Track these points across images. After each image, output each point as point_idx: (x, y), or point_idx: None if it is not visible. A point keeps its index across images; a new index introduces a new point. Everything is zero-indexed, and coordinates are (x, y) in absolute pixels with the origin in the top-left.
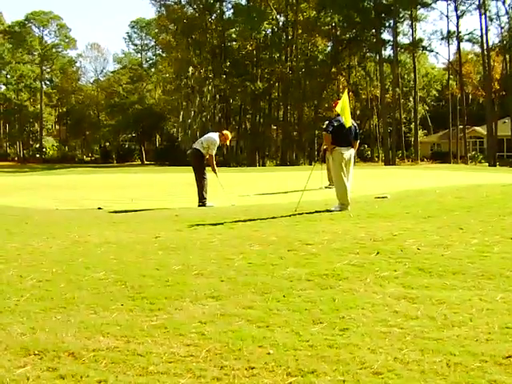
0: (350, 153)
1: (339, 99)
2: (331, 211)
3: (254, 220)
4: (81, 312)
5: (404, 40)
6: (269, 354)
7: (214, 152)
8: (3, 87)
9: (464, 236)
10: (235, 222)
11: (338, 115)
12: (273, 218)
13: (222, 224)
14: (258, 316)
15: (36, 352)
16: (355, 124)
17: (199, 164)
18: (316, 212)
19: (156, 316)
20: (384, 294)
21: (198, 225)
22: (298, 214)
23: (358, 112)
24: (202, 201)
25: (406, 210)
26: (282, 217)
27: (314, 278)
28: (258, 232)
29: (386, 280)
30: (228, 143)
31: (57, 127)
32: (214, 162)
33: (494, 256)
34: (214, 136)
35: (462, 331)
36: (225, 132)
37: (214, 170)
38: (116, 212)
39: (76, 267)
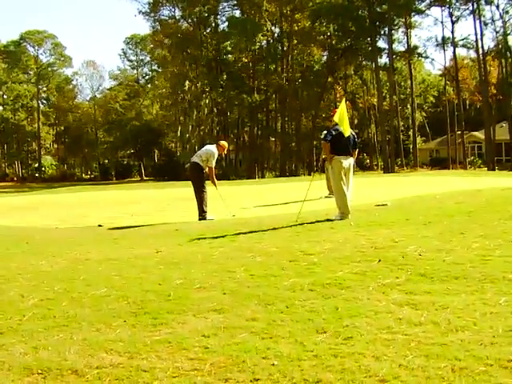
0: (349, 162)
1: (337, 108)
2: (332, 220)
3: (254, 232)
4: (83, 329)
5: (399, 47)
6: (273, 365)
7: (213, 164)
8: (0, 107)
9: (465, 241)
10: (236, 234)
11: (337, 124)
12: (274, 229)
13: (223, 237)
14: (262, 328)
15: (39, 371)
16: (353, 133)
17: (198, 177)
18: (317, 222)
19: (159, 331)
20: (387, 302)
21: (198, 238)
22: (299, 224)
23: (355, 121)
24: (202, 214)
25: (406, 216)
26: (282, 228)
27: (317, 288)
28: (260, 244)
29: (388, 287)
30: (225, 153)
31: (55, 146)
32: (214, 175)
33: (495, 260)
34: (212, 148)
35: (466, 336)
36: (222, 142)
37: (213, 183)
38: (116, 228)
39: (77, 285)
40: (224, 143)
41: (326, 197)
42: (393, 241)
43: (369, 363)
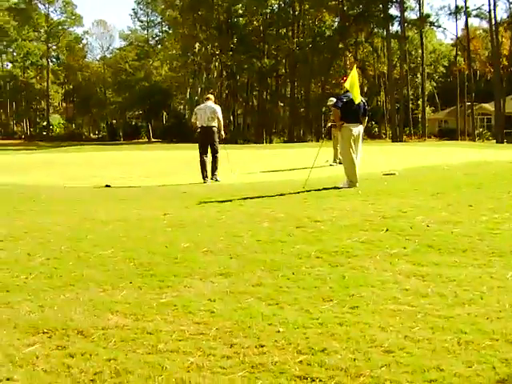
0: (358, 129)
1: (347, 76)
2: (339, 188)
3: (262, 197)
4: (89, 290)
5: (411, 15)
6: (278, 331)
7: (221, 117)
8: (9, 65)
9: (473, 213)
10: (243, 199)
11: (347, 91)
12: (281, 194)
13: (231, 201)
14: (268, 293)
15: (45, 330)
16: (364, 100)
17: (216, 140)
18: (324, 189)
19: (165, 294)
20: (394, 272)
21: (206, 202)
22: (307, 190)
23: (365, 89)
24: (214, 175)
25: (414, 186)
26: (290, 194)
27: (323, 256)
28: (267, 209)
29: (395, 257)
30: None
31: (63, 105)
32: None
33: (504, 233)
34: (213, 106)
35: (472, 309)
36: (211, 97)
37: (221, 132)
38: (124, 189)
39: (84, 245)
40: (212, 96)
41: (330, 164)
42: (401, 211)
43: (374, 333)
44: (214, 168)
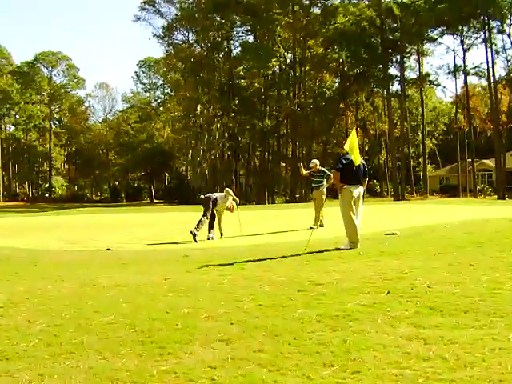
0: (358, 190)
1: (348, 136)
2: (341, 249)
3: (263, 260)
4: (90, 357)
5: (411, 75)
6: None
7: (228, 203)
8: (12, 127)
9: (475, 273)
10: (245, 262)
11: (347, 153)
12: (282, 257)
13: (232, 264)
14: (269, 359)
15: None
16: (363, 161)
17: (209, 206)
18: (326, 251)
19: (166, 361)
20: (395, 335)
21: (207, 265)
22: (308, 252)
23: (366, 147)
24: (194, 230)
25: (415, 246)
26: (291, 256)
27: (325, 320)
28: (268, 272)
29: (397, 320)
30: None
31: (66, 167)
32: (234, 205)
33: (505, 293)
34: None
35: (474, 372)
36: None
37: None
38: (125, 253)
39: (85, 311)
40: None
41: (311, 227)
42: (402, 272)
43: None
44: (198, 223)
